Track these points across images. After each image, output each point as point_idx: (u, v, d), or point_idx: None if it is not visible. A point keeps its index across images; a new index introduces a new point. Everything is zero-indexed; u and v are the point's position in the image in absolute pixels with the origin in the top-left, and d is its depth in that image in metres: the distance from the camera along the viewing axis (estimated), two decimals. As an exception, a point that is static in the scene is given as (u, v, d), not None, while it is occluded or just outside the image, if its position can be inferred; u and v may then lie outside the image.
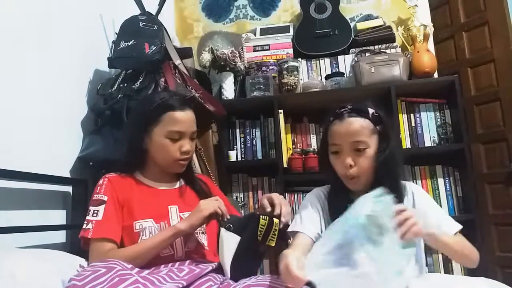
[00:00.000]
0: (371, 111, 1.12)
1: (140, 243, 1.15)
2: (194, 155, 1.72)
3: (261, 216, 1.09)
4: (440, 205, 2.10)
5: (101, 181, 1.25)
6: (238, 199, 2.28)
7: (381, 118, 1.13)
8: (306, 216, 1.19)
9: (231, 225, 1.09)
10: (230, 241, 1.06)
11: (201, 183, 1.40)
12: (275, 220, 1.10)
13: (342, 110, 1.14)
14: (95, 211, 1.18)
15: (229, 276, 1.09)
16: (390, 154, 1.10)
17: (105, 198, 1.20)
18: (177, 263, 1.15)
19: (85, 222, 1.17)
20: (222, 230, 1.13)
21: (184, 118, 1.27)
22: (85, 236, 1.14)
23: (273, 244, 1.12)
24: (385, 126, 1.13)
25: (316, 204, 1.21)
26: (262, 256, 1.18)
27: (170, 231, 1.14)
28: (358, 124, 1.10)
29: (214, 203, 1.17)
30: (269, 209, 1.16)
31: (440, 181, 2.14)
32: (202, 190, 1.36)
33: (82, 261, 1.11)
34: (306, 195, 1.28)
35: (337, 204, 1.14)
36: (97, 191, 1.22)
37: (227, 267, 1.09)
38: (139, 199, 1.24)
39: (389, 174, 1.11)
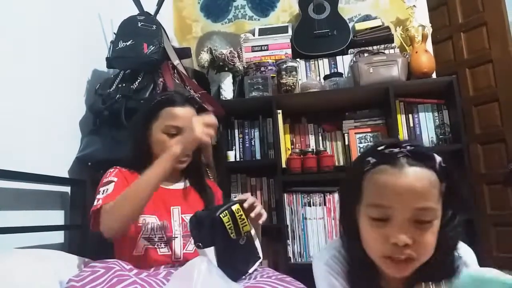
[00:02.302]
0: (438, 159, 0.74)
1: (141, 177, 1.14)
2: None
3: (220, 216, 1.04)
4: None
5: (111, 170, 1.26)
6: (237, 200, 2.27)
7: (448, 171, 0.75)
8: None
9: (200, 244, 1.05)
10: (207, 256, 1.02)
11: (207, 188, 1.40)
12: (233, 207, 1.08)
13: (396, 150, 0.74)
14: (105, 190, 1.17)
15: None
16: (457, 228, 0.76)
17: (115, 179, 1.20)
18: (177, 265, 1.15)
19: (95, 200, 1.16)
20: (197, 250, 1.10)
21: (182, 113, 1.28)
22: (95, 209, 1.13)
23: (249, 228, 1.10)
24: (453, 185, 0.75)
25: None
26: (251, 243, 1.14)
27: (165, 156, 1.13)
28: (427, 181, 0.71)
29: (203, 130, 1.13)
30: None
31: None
32: (206, 194, 1.36)
33: (81, 262, 1.11)
34: (316, 269, 0.87)
35: None
36: (107, 176, 1.23)
37: None
38: None
39: (448, 257, 0.76)
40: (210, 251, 1.03)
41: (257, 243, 1.16)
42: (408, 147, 0.73)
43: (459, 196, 0.77)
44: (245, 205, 1.12)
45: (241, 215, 1.08)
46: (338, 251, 0.84)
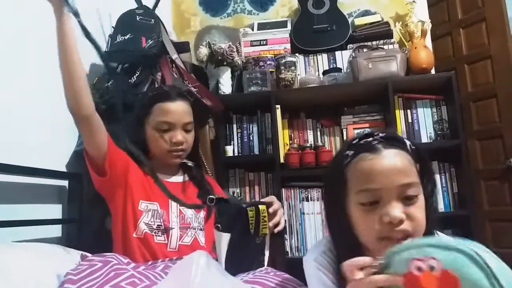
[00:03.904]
0: (407, 142, 0.80)
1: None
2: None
3: (247, 209, 1.07)
4: (436, 201, 2.11)
5: None
6: (235, 194, 2.28)
7: (419, 151, 0.81)
8: None
9: (219, 225, 1.07)
10: (221, 240, 1.05)
11: (206, 183, 1.40)
12: (261, 206, 1.09)
13: (371, 139, 0.79)
14: None
15: None
16: (436, 204, 0.83)
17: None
18: (175, 258, 1.16)
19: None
20: (214, 230, 1.12)
21: (173, 108, 1.29)
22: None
23: (267, 232, 1.12)
24: (426, 164, 0.81)
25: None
26: (262, 247, 1.16)
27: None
28: (405, 160, 0.76)
29: None
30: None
31: (436, 177, 2.14)
32: (204, 188, 1.36)
33: (78, 256, 1.11)
34: (306, 265, 0.87)
35: None
36: None
37: (222, 265, 1.09)
38: (148, 184, 1.28)
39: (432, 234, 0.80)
40: (226, 236, 1.06)
41: (267, 252, 1.17)
42: (380, 134, 0.79)
43: (432, 174, 0.82)
44: (270, 210, 1.13)
45: (265, 216, 1.10)
46: (328, 247, 0.86)
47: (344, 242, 0.81)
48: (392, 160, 0.75)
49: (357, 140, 0.80)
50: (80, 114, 1.15)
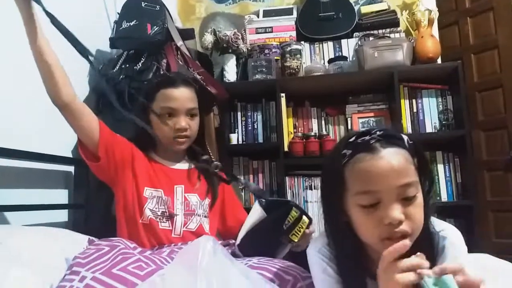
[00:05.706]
0: (405, 137, 0.79)
1: None
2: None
3: (293, 208, 1.11)
4: (439, 191, 2.12)
5: None
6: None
7: (416, 146, 0.80)
8: None
9: (263, 200, 1.11)
10: (255, 215, 1.09)
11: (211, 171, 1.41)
12: (304, 218, 1.12)
13: (368, 137, 0.77)
14: None
15: (237, 243, 1.13)
16: (433, 199, 0.83)
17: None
18: (179, 244, 1.17)
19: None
20: (255, 203, 1.17)
21: (177, 95, 1.29)
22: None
23: (296, 240, 1.14)
24: (423, 158, 0.81)
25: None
26: (283, 247, 1.19)
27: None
28: (403, 159, 0.75)
29: None
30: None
31: (440, 167, 2.15)
32: (211, 177, 1.37)
33: (86, 240, 1.13)
34: (310, 257, 0.89)
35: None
36: None
37: (240, 236, 1.12)
38: (153, 171, 1.29)
39: (429, 226, 0.81)
40: (261, 214, 1.11)
41: (281, 255, 1.19)
42: (378, 132, 0.77)
43: (429, 168, 0.82)
44: (307, 230, 1.16)
45: (302, 227, 1.13)
46: (323, 253, 0.86)
47: (343, 239, 0.81)
48: (390, 161, 0.74)
49: (354, 138, 0.78)
50: (59, 102, 1.15)
